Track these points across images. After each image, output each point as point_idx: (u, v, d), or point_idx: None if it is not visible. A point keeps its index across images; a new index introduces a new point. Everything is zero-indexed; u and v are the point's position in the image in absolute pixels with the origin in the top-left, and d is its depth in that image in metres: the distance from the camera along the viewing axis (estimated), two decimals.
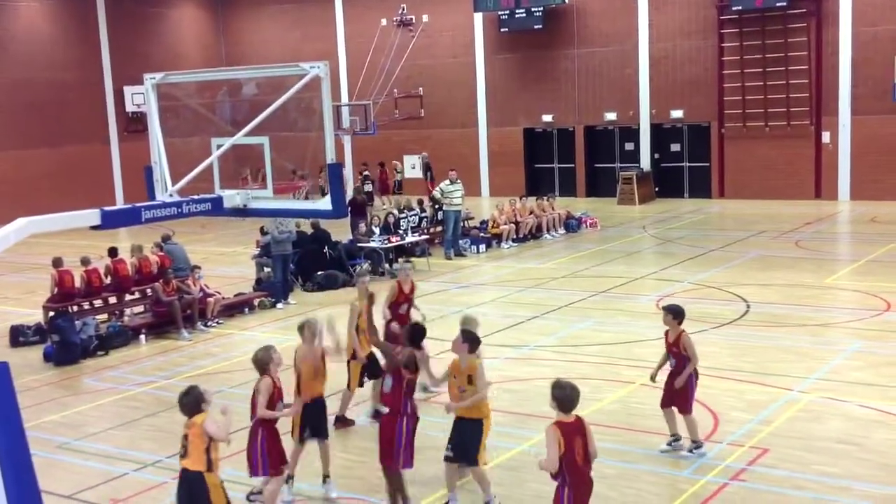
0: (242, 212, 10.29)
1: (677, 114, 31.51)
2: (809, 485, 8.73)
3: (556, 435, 6.67)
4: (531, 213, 24.72)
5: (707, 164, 31.47)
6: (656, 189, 32.13)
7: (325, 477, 9.01)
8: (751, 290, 16.70)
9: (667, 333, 9.55)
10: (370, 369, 10.61)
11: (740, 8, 29.41)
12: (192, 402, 7.20)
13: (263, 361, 8.16)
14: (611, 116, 32.67)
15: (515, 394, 11.82)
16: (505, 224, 23.58)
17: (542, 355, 13.57)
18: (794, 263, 19.46)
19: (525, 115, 34.27)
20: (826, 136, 29.18)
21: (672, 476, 9.06)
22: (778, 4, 28.75)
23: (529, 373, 12.62)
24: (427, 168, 32.81)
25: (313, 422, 8.92)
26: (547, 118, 33.81)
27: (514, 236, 23.68)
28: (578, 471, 6.73)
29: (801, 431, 10.02)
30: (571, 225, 25.28)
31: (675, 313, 9.54)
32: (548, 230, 24.67)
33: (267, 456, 8.11)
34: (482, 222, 24.66)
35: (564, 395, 6.79)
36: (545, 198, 25.71)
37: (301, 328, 9.12)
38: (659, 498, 8.64)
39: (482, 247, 22.77)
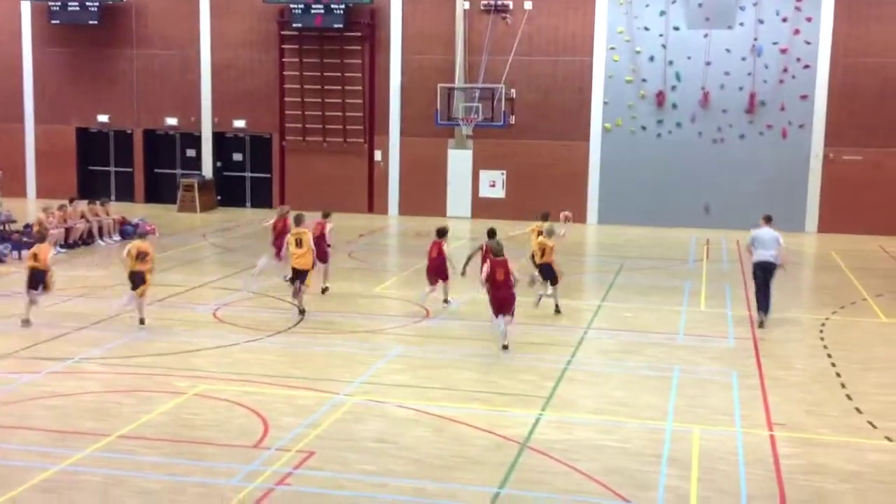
0: None
1: (240, 123, 31.68)
2: (350, 484, 9.18)
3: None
4: (82, 217, 23.32)
5: (269, 175, 32.01)
6: (218, 197, 32.00)
7: None
8: (307, 299, 17.15)
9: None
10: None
11: (300, 25, 30.36)
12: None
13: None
14: (172, 121, 31.94)
15: (56, 410, 11.06)
16: (54, 229, 21.94)
17: (89, 368, 12.83)
18: (349, 274, 20.44)
19: (78, 113, 32.29)
20: (378, 155, 31.14)
21: (219, 486, 9.01)
22: (335, 26, 30.14)
23: (73, 387, 11.88)
24: None
25: None
26: (103, 118, 32.17)
27: (63, 242, 22.16)
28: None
29: (345, 433, 10.52)
30: (127, 231, 24.23)
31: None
32: (101, 236, 23.44)
33: None
34: (26, 226, 22.72)
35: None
36: (98, 202, 24.40)
37: None
38: None
39: (25, 252, 20.95)
